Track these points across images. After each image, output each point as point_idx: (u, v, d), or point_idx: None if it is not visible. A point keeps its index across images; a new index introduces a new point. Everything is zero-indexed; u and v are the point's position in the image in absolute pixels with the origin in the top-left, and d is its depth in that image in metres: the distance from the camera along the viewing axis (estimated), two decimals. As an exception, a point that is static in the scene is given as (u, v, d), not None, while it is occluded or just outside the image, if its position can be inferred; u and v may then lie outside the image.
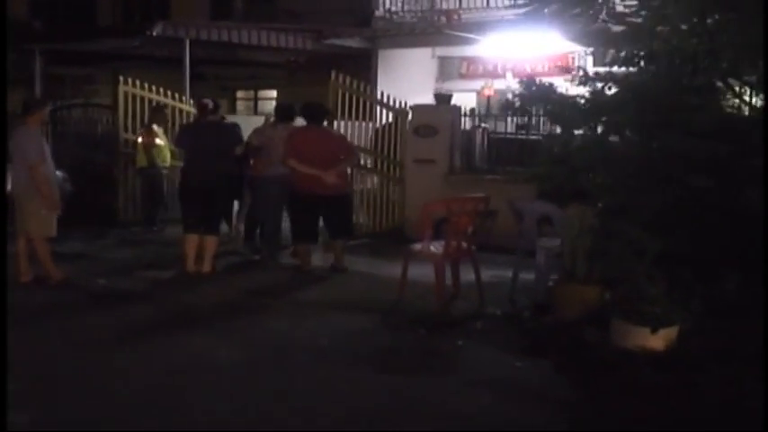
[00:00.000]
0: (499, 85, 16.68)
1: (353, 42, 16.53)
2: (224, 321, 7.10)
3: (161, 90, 12.93)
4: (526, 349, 6.18)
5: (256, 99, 20.23)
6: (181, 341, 6.43)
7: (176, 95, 13.17)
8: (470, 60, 17.49)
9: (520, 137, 12.24)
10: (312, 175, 8.68)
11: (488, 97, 16.30)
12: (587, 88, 7.25)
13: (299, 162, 8.73)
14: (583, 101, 7.10)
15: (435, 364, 6.01)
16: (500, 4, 15.70)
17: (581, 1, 10.31)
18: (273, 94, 19.99)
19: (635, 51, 6.98)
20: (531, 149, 11.64)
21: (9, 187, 8.17)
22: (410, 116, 12.18)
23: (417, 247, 7.68)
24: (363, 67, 17.66)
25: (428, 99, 17.45)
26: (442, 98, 11.82)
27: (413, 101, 16.71)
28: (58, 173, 12.90)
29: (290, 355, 6.09)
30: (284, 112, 9.74)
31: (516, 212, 8.06)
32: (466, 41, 16.18)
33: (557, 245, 7.17)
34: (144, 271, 9.28)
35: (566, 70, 16.55)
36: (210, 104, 9.10)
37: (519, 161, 11.43)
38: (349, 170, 10.28)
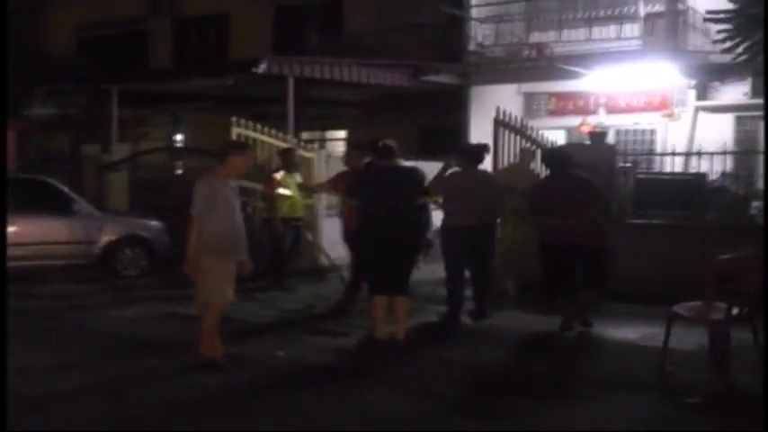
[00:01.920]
0: (591, 121, 15.85)
1: (446, 78, 15.65)
2: (486, 407, 6.01)
3: (272, 131, 11.92)
4: None
5: (323, 140, 19.19)
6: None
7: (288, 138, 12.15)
8: (559, 96, 16.64)
9: (670, 177, 11.37)
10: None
11: (589, 134, 15.43)
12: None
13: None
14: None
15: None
16: (604, 36, 14.88)
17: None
18: (342, 134, 19.02)
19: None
20: (685, 191, 10.84)
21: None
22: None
23: (685, 307, 6.68)
24: (449, 105, 16.86)
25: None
26: (598, 136, 10.88)
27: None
28: (155, 223, 11.98)
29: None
30: (476, 154, 8.72)
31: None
32: (555, 76, 15.40)
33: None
34: (313, 337, 8.14)
35: (663, 106, 16.26)
36: (394, 146, 8.06)
37: (674, 204, 10.58)
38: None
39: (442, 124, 18.05)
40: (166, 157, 14.49)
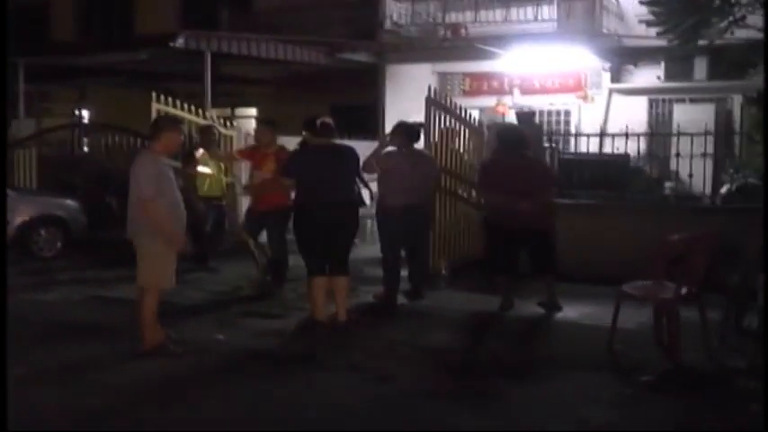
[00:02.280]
0: (507, 101, 15.95)
1: (362, 57, 15.43)
2: (447, 388, 5.84)
3: (192, 108, 11.49)
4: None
5: (233, 117, 18.65)
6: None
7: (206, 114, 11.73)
8: (473, 76, 16.65)
9: (595, 158, 11.46)
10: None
11: (502, 114, 15.50)
12: None
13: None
14: None
15: None
16: (521, 17, 14.90)
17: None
18: (252, 111, 18.58)
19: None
20: (610, 172, 10.95)
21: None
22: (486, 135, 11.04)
23: (634, 287, 6.68)
24: (361, 83, 16.67)
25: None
26: (525, 116, 10.82)
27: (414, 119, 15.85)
28: (70, 202, 11.43)
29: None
30: (413, 133, 8.53)
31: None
32: (471, 57, 15.40)
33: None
34: (248, 319, 7.83)
35: (577, 87, 16.42)
36: (332, 124, 7.80)
37: (599, 184, 10.66)
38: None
39: (354, 102, 17.85)
40: (73, 134, 13.75)
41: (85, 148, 14.30)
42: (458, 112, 10.33)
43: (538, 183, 7.93)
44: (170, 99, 11.27)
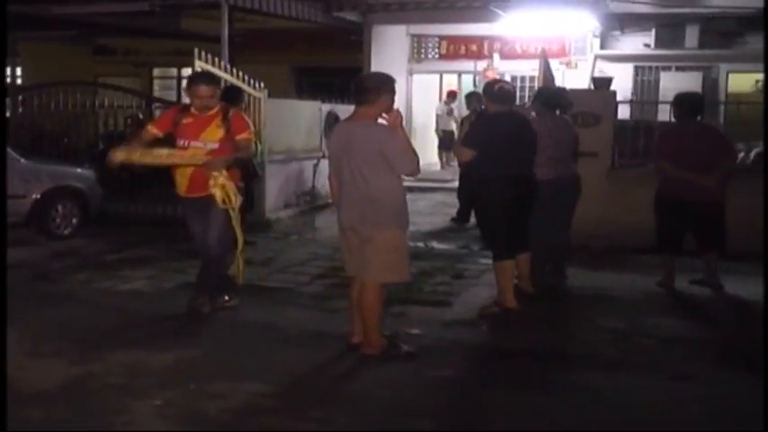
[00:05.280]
0: (480, 66, 15.44)
1: (353, 16, 14.44)
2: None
3: (233, 71, 10.26)
4: None
5: (180, 78, 17.07)
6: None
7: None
8: (450, 40, 15.99)
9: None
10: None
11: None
12: None
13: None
14: None
15: None
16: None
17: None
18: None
19: None
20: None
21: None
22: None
23: None
24: (325, 45, 15.73)
25: (402, 80, 15.87)
26: (603, 82, 10.24)
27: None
28: (87, 172, 9.92)
29: None
30: (555, 100, 7.75)
31: None
32: (467, 19, 14.77)
33: None
34: (418, 309, 6.70)
35: (561, 53, 16.05)
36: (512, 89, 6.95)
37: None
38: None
39: (317, 65, 16.86)
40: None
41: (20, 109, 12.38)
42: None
43: (720, 152, 7.42)
44: (209, 56, 9.92)
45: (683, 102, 7.57)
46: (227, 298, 6.59)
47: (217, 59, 10.02)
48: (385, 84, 5.44)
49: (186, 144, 6.16)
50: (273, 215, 11.15)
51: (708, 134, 7.55)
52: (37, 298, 6.88)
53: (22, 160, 9.30)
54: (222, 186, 6.04)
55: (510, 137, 6.55)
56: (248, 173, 7.82)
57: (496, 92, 6.75)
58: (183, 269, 7.80)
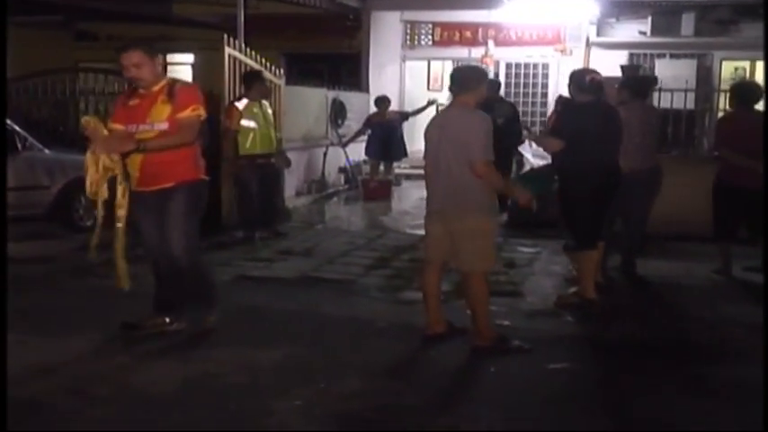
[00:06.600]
0: (477, 54, 15.34)
1: (353, 2, 14.19)
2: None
3: (257, 57, 9.96)
4: None
5: (165, 65, 16.58)
6: None
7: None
8: (444, 26, 15.84)
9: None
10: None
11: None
12: None
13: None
14: None
15: None
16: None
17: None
18: (188, 58, 16.66)
19: None
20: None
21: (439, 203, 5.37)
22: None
23: None
24: (316, 32, 15.49)
25: (396, 67, 15.74)
26: (631, 69, 10.22)
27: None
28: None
29: None
30: (643, 87, 7.62)
31: None
32: (468, 6, 14.68)
33: None
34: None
35: (555, 40, 16.00)
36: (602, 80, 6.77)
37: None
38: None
39: (308, 51, 16.59)
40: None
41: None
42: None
43: None
44: (236, 43, 9.62)
45: (740, 90, 7.56)
46: (211, 318, 5.58)
47: (238, 44, 9.64)
48: (483, 74, 5.61)
49: (135, 129, 5.17)
50: (290, 204, 10.89)
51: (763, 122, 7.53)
52: (92, 295, 6.55)
53: (46, 150, 8.92)
54: (105, 173, 5.12)
55: (598, 128, 6.42)
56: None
57: (588, 84, 6.57)
58: (228, 261, 7.59)
